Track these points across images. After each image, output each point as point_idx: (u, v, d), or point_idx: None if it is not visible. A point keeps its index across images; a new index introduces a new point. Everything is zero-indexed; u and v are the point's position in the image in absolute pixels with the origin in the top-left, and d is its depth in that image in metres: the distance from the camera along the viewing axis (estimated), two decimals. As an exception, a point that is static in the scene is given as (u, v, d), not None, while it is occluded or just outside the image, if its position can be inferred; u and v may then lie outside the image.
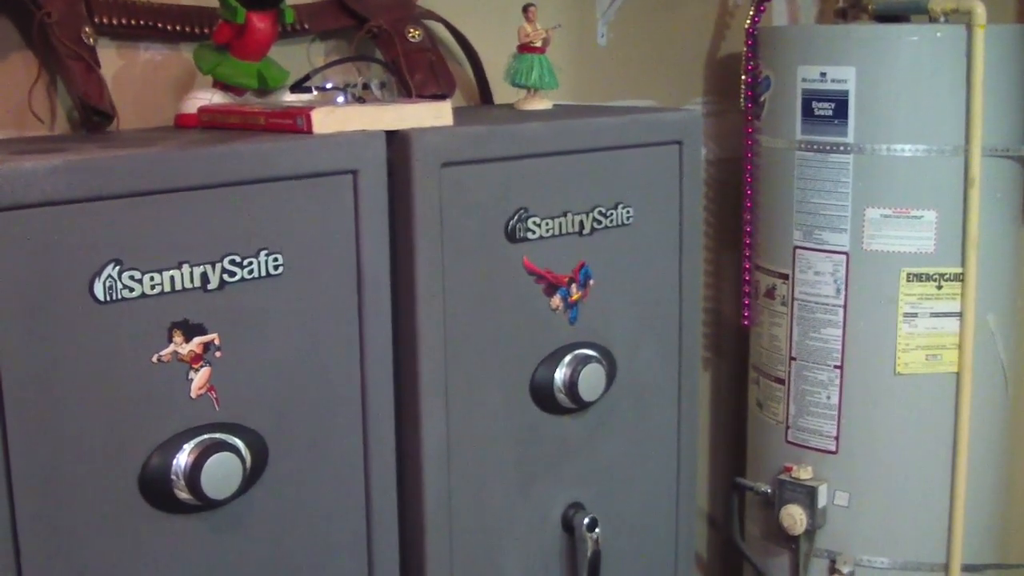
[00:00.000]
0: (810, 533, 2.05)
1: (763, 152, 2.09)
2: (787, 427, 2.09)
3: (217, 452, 1.22)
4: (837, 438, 2.03)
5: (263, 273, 1.25)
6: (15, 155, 1.18)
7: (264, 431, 1.28)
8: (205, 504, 1.22)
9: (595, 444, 1.58)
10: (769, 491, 2.10)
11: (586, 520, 1.56)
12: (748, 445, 2.24)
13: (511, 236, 1.44)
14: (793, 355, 2.06)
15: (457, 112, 1.43)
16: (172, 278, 1.19)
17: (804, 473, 2.05)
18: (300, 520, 1.33)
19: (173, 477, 1.21)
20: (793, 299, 2.04)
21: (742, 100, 2.13)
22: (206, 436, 1.23)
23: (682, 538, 1.73)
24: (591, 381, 1.52)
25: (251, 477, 1.27)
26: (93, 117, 1.48)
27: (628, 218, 1.56)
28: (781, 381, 2.09)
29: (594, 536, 1.56)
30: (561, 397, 1.51)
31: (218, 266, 1.22)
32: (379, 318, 1.35)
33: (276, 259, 1.26)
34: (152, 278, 1.17)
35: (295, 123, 1.32)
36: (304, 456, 1.32)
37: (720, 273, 2.39)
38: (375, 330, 1.35)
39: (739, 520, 2.22)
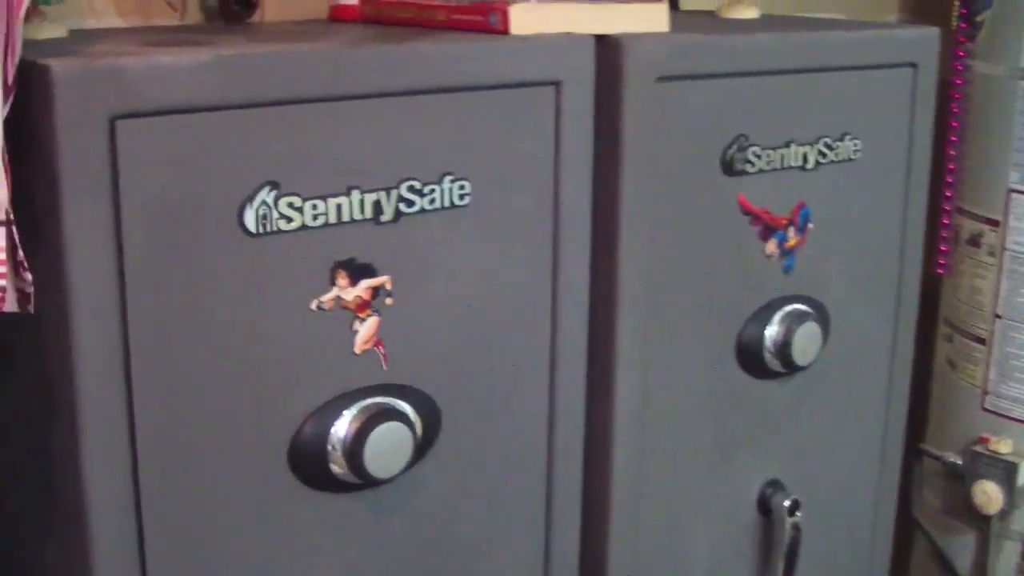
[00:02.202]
0: (1005, 513, 1.81)
1: (976, 80, 1.82)
2: (985, 393, 1.84)
3: (384, 421, 1.00)
4: (1046, 409, 1.78)
5: (447, 203, 1.02)
6: (148, 47, 0.95)
7: (438, 395, 1.06)
8: (367, 482, 1.01)
9: (800, 415, 1.35)
10: (959, 463, 1.86)
11: (787, 502, 1.33)
12: (932, 408, 1.99)
13: (728, 168, 1.20)
14: (998, 312, 1.80)
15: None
16: (339, 207, 0.96)
17: (1004, 446, 1.80)
18: (472, 499, 1.12)
19: (330, 449, 1.00)
20: (1004, 249, 1.78)
21: (954, 19, 1.85)
22: (371, 401, 1.01)
23: (880, 519, 1.50)
24: (806, 342, 1.28)
25: (421, 450, 1.05)
26: (233, 5, 1.25)
27: (855, 152, 1.31)
28: (981, 341, 1.83)
29: (794, 521, 1.33)
30: (770, 359, 1.28)
31: (394, 193, 0.99)
32: (577, 261, 1.12)
33: (463, 187, 1.03)
34: (315, 206, 0.95)
35: (487, 20, 1.08)
36: (482, 424, 1.10)
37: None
38: (571, 276, 1.12)
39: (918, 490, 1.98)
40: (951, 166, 1.87)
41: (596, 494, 1.20)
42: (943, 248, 1.90)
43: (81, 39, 1.05)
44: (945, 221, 1.89)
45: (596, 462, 1.19)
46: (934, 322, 1.97)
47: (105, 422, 0.90)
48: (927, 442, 1.96)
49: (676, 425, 1.24)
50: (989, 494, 1.79)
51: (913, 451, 1.95)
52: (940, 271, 1.92)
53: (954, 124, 1.86)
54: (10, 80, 0.85)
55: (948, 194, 1.88)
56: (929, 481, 1.97)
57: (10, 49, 0.85)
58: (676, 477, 1.26)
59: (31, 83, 0.85)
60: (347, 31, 1.16)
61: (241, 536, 0.98)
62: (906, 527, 2.04)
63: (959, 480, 1.85)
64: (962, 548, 1.90)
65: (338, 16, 1.27)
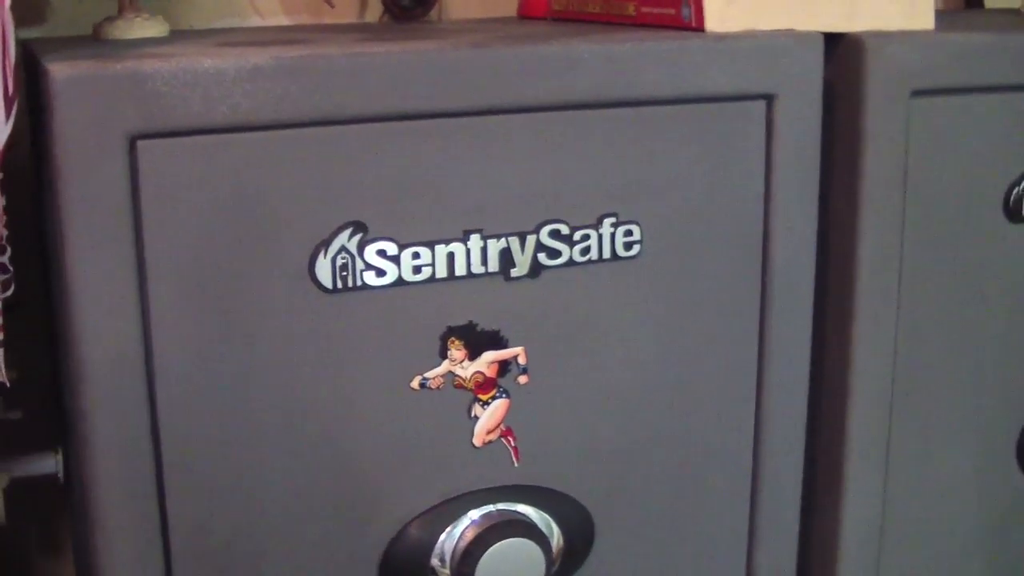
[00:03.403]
0: None
1: None
2: None
3: (508, 535, 0.76)
4: None
5: (607, 254, 0.77)
6: (225, 48, 0.75)
7: (588, 501, 0.81)
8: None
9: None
10: None
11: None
12: None
13: (1013, 212, 0.89)
14: None
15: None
16: (451, 257, 0.73)
17: None
18: None
19: (435, 564, 0.76)
20: None
21: None
22: (493, 507, 0.77)
23: None
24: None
25: (562, 571, 0.80)
26: (402, 1, 1.04)
27: None
28: None
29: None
30: (1062, 464, 0.97)
31: (531, 240, 0.75)
32: (794, 334, 0.84)
33: (630, 232, 0.77)
34: (416, 255, 0.72)
35: (678, 14, 0.82)
36: (651, 547, 0.84)
37: None
38: (786, 353, 0.85)
39: None
40: None
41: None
42: None
43: (178, 40, 0.86)
44: None
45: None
46: None
47: (138, 545, 0.70)
48: None
49: (930, 548, 0.94)
50: None
51: None
52: None
53: None
54: (11, 89, 0.66)
55: None
56: None
57: (5, 50, 0.66)
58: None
59: (44, 92, 0.66)
60: (516, 29, 0.93)
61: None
62: None
63: None
64: None
65: (526, 13, 1.04)
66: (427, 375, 0.74)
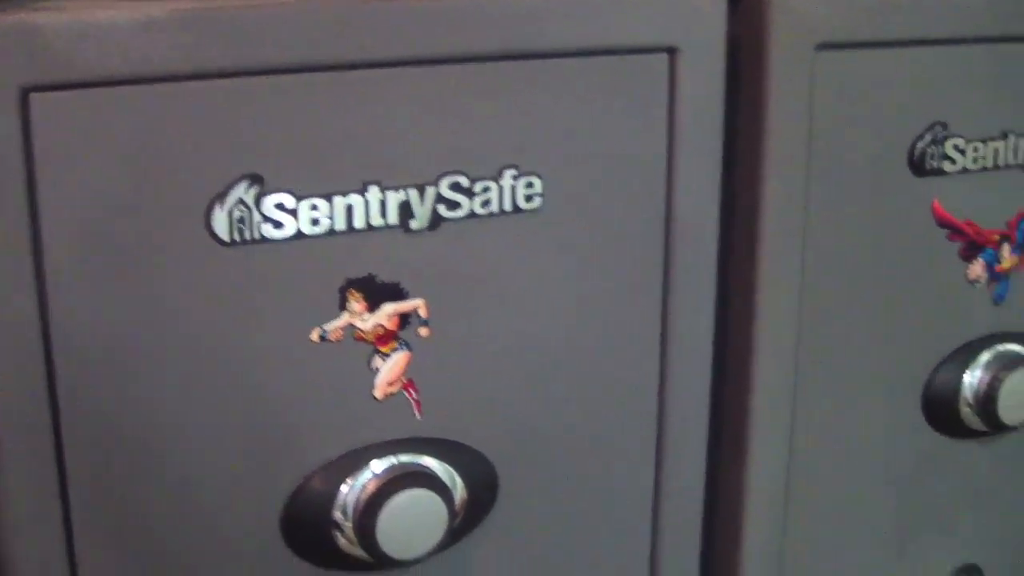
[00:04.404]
0: None
1: None
2: None
3: (409, 487, 0.76)
4: None
5: (507, 207, 0.77)
6: (121, 1, 0.74)
7: (492, 454, 0.81)
8: (381, 563, 0.77)
9: (1012, 484, 1.05)
10: None
11: (985, 596, 1.03)
12: None
13: (918, 166, 0.90)
14: None
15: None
16: (349, 209, 0.72)
17: None
18: None
19: (337, 518, 0.77)
20: None
21: None
22: (394, 459, 0.77)
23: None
24: (1018, 395, 0.97)
25: (464, 526, 0.81)
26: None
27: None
28: None
29: (994, 619, 1.03)
30: (968, 415, 0.98)
31: (431, 192, 0.74)
32: (698, 289, 0.85)
33: (530, 185, 0.77)
34: (314, 208, 0.71)
35: (582, -36, 0.82)
36: (554, 499, 0.85)
37: None
38: (688, 307, 0.85)
39: None
40: None
41: (720, 584, 0.94)
42: None
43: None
44: None
45: (723, 554, 0.93)
46: None
47: (37, 503, 0.69)
48: None
49: (838, 502, 0.96)
50: None
51: None
52: None
53: None
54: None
55: None
56: None
57: None
58: (836, 559, 0.98)
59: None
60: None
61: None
62: None
63: None
64: None
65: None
66: (326, 327, 0.73)
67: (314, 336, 0.73)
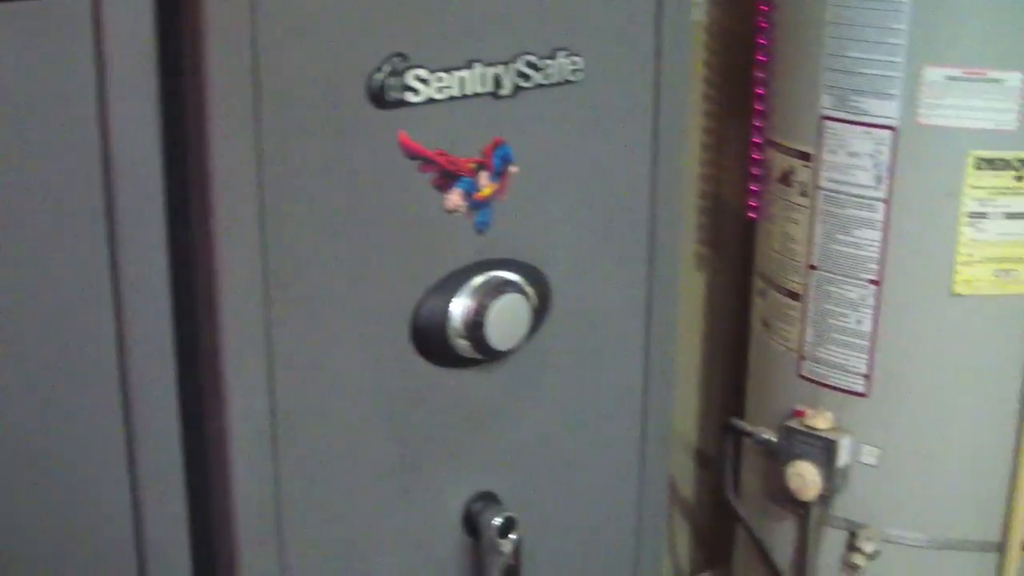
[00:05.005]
0: (825, 498, 1.55)
1: (783, -13, 1.54)
2: (801, 358, 1.57)
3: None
4: (868, 376, 1.51)
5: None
6: None
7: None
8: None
9: (516, 410, 1.07)
10: (773, 440, 1.59)
11: (497, 520, 1.05)
12: (749, 375, 1.72)
13: (379, 98, 0.90)
14: (813, 263, 1.53)
15: None
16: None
17: (821, 421, 1.53)
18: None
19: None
20: (817, 188, 1.50)
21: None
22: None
23: (647, 525, 1.22)
24: (507, 319, 0.99)
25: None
26: None
27: (573, 72, 1.01)
28: (796, 296, 1.56)
29: (510, 542, 1.05)
30: (461, 343, 0.99)
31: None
32: (146, 241, 0.82)
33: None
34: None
35: None
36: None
37: (723, 150, 1.84)
38: (139, 263, 0.83)
39: (734, 471, 1.71)
40: (759, 90, 1.59)
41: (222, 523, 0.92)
42: (754, 188, 1.63)
43: None
44: (756, 156, 1.61)
45: (218, 508, 0.91)
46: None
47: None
48: (747, 417, 1.70)
49: (331, 443, 0.95)
50: (805, 476, 1.54)
51: (724, 428, 1.68)
52: (752, 215, 1.64)
53: (761, 41, 1.58)
54: None
55: (757, 124, 1.60)
56: (748, 460, 1.71)
57: None
58: (338, 500, 0.97)
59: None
60: None
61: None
62: (729, 510, 1.78)
63: (775, 460, 1.59)
64: (782, 539, 1.64)
65: None
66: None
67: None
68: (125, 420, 0.85)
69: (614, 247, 1.10)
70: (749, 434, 1.63)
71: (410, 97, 0.91)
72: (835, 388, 1.53)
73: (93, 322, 0.82)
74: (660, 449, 1.20)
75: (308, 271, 0.90)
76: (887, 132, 1.43)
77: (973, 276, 1.44)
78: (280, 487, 0.93)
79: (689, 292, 1.87)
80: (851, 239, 1.48)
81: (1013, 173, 1.41)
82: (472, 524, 1.06)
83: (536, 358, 1.05)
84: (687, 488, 2.00)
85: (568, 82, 1.01)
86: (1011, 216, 1.42)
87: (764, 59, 1.57)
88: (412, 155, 0.93)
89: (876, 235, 1.46)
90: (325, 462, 0.95)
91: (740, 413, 1.71)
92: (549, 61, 0.99)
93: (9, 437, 0.81)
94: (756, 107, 1.60)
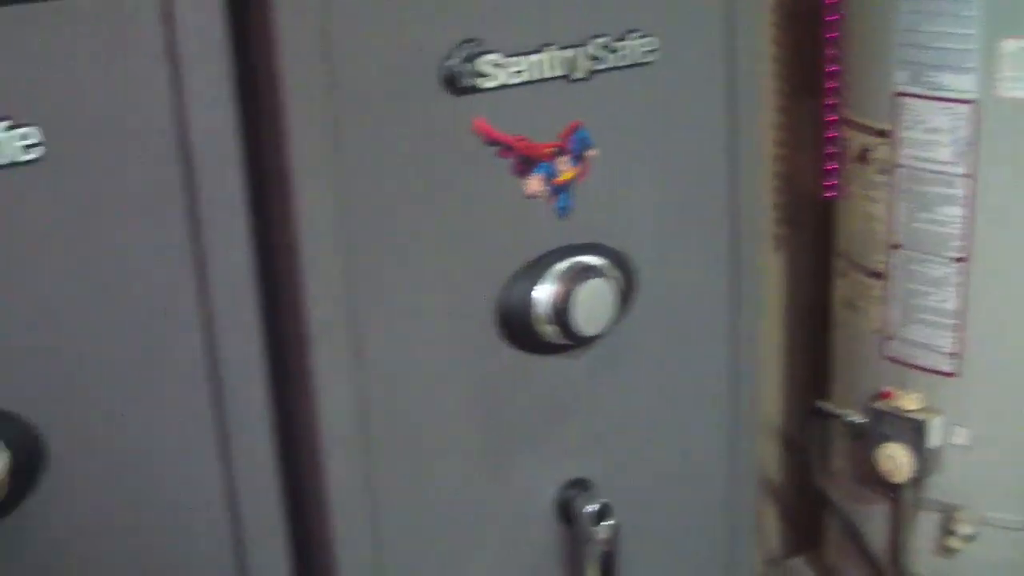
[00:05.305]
0: (917, 480, 1.52)
1: (853, -38, 1.52)
2: (886, 338, 1.55)
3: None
4: (956, 355, 1.48)
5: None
6: None
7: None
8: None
9: (604, 395, 1.06)
10: (861, 422, 1.57)
11: (592, 507, 1.04)
12: (833, 357, 1.70)
13: (452, 85, 0.90)
14: (896, 242, 1.50)
15: None
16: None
17: (909, 402, 1.51)
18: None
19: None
20: (896, 166, 1.48)
21: None
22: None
23: (737, 507, 1.21)
24: (593, 304, 0.99)
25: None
26: None
27: (646, 53, 1.01)
28: (879, 276, 1.54)
29: (604, 529, 1.05)
30: (547, 329, 0.99)
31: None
32: (228, 225, 0.83)
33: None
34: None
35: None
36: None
37: (796, 128, 1.82)
38: (222, 245, 0.83)
39: (822, 454, 1.69)
40: (832, 67, 1.57)
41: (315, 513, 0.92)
42: (830, 167, 1.61)
43: None
44: (830, 135, 1.59)
45: (311, 493, 0.91)
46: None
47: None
48: (833, 399, 1.67)
49: (420, 429, 0.95)
50: (896, 458, 1.51)
51: (811, 411, 1.66)
52: (829, 195, 1.62)
53: (831, 17, 1.56)
54: None
55: (831, 102, 1.58)
56: (837, 442, 1.69)
57: None
58: (430, 489, 0.97)
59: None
60: None
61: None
62: (818, 498, 1.76)
63: (864, 441, 1.57)
64: (875, 523, 1.62)
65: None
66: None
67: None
68: (216, 415, 0.86)
69: (695, 229, 1.09)
70: (836, 416, 1.61)
71: (483, 83, 0.91)
72: (922, 368, 1.51)
73: (180, 316, 0.83)
74: (748, 432, 1.19)
75: (392, 260, 0.90)
76: (966, 106, 1.40)
77: (1064, 249, 1.41)
78: (372, 476, 0.93)
79: (768, 274, 1.85)
80: (934, 217, 1.45)
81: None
82: (565, 511, 1.05)
83: (623, 342, 1.04)
84: (774, 472, 1.98)
85: (642, 63, 1.00)
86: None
87: (835, 35, 1.55)
88: (490, 141, 0.93)
89: (960, 212, 1.43)
90: (415, 451, 0.95)
91: (824, 395, 1.69)
92: (622, 43, 0.98)
93: (100, 436, 0.81)
94: (828, 85, 1.58)
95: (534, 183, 0.96)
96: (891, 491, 1.55)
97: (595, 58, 0.97)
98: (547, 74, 0.94)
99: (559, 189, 0.98)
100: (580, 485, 1.06)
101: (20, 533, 0.79)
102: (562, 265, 0.98)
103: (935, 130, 1.43)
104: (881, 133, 1.49)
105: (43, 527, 0.80)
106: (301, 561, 0.93)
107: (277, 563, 0.91)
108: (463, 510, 1.00)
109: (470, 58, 0.90)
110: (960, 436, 1.50)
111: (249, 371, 0.86)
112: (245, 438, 0.87)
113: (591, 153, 0.99)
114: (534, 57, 0.93)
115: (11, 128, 0.73)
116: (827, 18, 1.57)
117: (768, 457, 1.96)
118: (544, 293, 0.98)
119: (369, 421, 0.91)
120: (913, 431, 1.50)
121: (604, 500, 1.04)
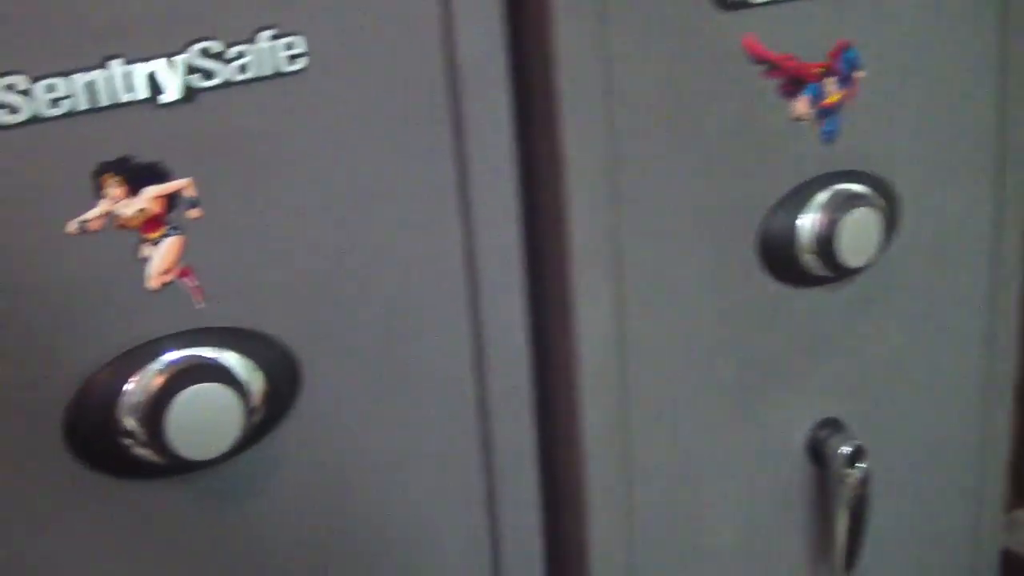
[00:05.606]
0: None
1: None
2: None
3: (197, 381, 0.71)
4: None
5: (268, 70, 0.71)
6: None
7: (291, 341, 0.76)
8: (178, 466, 0.72)
9: (864, 331, 1.01)
10: None
11: (846, 448, 1.00)
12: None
13: (723, -1, 0.86)
14: None
15: None
16: (90, 86, 0.66)
17: None
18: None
19: (124, 418, 0.72)
20: None
21: None
22: (179, 353, 0.72)
23: (988, 468, 1.15)
24: (859, 234, 0.93)
25: (268, 419, 0.77)
26: None
27: (919, -29, 0.94)
28: None
29: (858, 472, 1.00)
30: (810, 260, 0.94)
31: (180, 61, 0.68)
32: (492, 138, 0.80)
33: (290, 45, 0.71)
34: (51, 88, 0.65)
35: None
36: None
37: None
38: (485, 161, 0.80)
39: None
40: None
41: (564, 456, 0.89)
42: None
43: None
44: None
45: (563, 425, 0.89)
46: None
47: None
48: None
49: (676, 361, 0.92)
50: None
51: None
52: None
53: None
54: None
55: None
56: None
57: None
58: (682, 424, 0.94)
59: None
60: None
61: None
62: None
63: None
64: None
65: None
66: (84, 217, 0.67)
67: (71, 228, 0.67)
68: (474, 334, 0.83)
69: (961, 159, 1.02)
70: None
71: (754, -1, 0.86)
72: None
73: (439, 239, 0.80)
74: (1004, 372, 1.13)
75: (655, 184, 0.87)
76: None
77: None
78: (625, 408, 0.90)
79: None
80: None
81: None
82: (817, 452, 1.01)
83: (884, 277, 0.99)
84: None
85: (915, -20, 0.94)
86: None
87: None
88: (758, 60, 0.88)
89: None
90: (669, 383, 0.92)
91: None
92: (894, -41, 0.92)
93: (357, 363, 0.80)
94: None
95: (801, 105, 0.91)
96: None
97: (867, -27, 0.91)
98: (818, -11, 0.89)
99: (826, 112, 0.92)
100: (832, 425, 1.01)
101: (273, 460, 0.78)
102: (827, 193, 0.93)
103: None
104: None
105: (295, 455, 0.78)
106: (549, 494, 0.91)
107: (529, 496, 0.89)
108: (714, 447, 0.96)
109: (741, -29, 0.85)
110: None
111: (510, 299, 0.84)
112: (502, 370, 0.85)
113: (859, 75, 0.93)
114: (806, -29, 0.88)
115: (276, 37, 0.71)
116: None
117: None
118: (808, 222, 0.93)
119: (625, 350, 0.88)
120: None
121: (858, 442, 1.00)
